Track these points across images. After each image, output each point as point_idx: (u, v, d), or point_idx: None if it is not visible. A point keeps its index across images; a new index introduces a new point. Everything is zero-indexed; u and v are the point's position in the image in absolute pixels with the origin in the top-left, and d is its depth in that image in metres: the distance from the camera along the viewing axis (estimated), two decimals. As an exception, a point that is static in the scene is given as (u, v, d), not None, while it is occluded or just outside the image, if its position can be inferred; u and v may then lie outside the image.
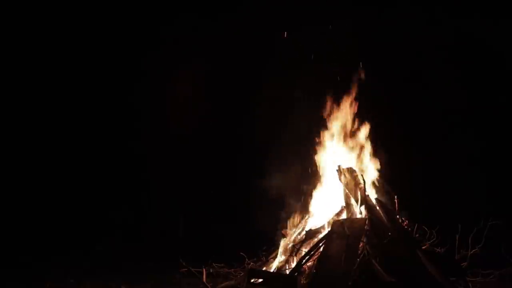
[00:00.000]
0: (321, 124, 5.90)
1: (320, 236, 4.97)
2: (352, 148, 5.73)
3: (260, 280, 4.61)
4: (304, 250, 4.96)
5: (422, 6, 7.56)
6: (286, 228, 5.65)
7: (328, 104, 5.90)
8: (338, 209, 5.26)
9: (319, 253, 4.67)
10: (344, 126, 5.79)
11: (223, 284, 5.02)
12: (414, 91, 7.69)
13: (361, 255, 4.46)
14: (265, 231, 5.94)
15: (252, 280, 4.57)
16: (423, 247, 5.05)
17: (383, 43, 7.25)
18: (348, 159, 5.64)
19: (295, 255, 5.03)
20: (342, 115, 5.81)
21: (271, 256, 5.50)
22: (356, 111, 5.78)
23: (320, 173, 5.78)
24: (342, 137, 5.79)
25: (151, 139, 8.36)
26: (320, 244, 4.72)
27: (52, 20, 8.24)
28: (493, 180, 7.33)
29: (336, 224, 4.80)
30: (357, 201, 5.08)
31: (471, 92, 7.63)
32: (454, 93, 7.61)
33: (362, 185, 5.09)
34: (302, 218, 5.63)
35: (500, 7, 7.63)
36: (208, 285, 4.87)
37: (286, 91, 7.11)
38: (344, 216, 5.11)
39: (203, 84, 8.28)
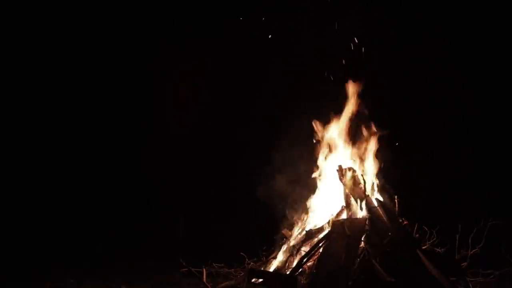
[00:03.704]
0: (322, 124, 5.89)
1: (320, 236, 4.97)
2: (352, 148, 5.72)
3: (260, 280, 4.61)
4: (304, 250, 4.96)
5: (424, 5, 7.55)
6: (287, 228, 5.64)
7: (329, 104, 5.89)
8: (338, 209, 5.26)
9: (319, 253, 4.67)
10: (344, 126, 5.77)
11: (223, 284, 5.02)
12: (415, 90, 7.69)
13: (361, 255, 4.46)
14: (265, 231, 5.94)
15: (252, 280, 4.57)
16: (423, 247, 5.05)
17: (384, 43, 7.25)
18: (349, 159, 5.63)
19: (295, 255, 5.03)
20: (343, 115, 5.80)
21: (271, 256, 5.49)
22: (357, 110, 5.76)
23: (320, 173, 5.77)
24: (342, 137, 5.78)
25: (151, 139, 8.37)
26: (320, 244, 4.72)
27: (54, 20, 8.25)
28: (493, 180, 7.33)
29: (336, 224, 4.80)
30: (357, 201, 5.07)
31: (471, 92, 7.63)
32: (454, 93, 7.61)
33: (362, 185, 5.09)
34: (303, 218, 5.62)
35: (501, 6, 7.63)
36: (208, 285, 4.87)
37: (286, 91, 7.11)
38: (344, 216, 5.11)
39: (203, 84, 8.28)
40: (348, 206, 5.16)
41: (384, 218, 4.87)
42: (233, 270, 5.58)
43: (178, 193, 8.12)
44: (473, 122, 7.83)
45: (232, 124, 8.15)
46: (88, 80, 8.58)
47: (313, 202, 5.68)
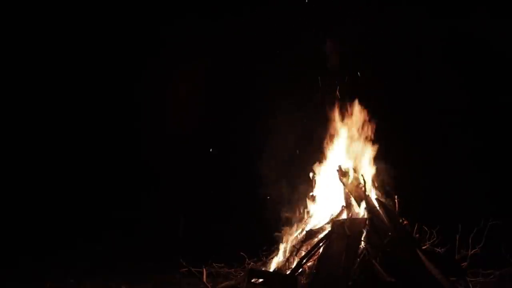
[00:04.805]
0: (321, 124, 5.89)
1: (320, 236, 4.97)
2: (352, 148, 5.72)
3: (260, 280, 4.61)
4: (304, 250, 4.96)
5: (423, 5, 7.56)
6: (287, 228, 5.64)
7: (328, 104, 5.89)
8: (338, 209, 5.26)
9: (319, 253, 4.68)
10: (344, 126, 5.78)
11: (223, 284, 5.02)
12: (415, 90, 7.69)
13: (361, 255, 4.46)
14: (265, 231, 5.94)
15: (252, 280, 4.58)
16: (423, 247, 5.05)
17: (383, 43, 7.25)
18: (349, 159, 5.63)
19: (295, 255, 5.03)
20: (343, 115, 5.80)
21: (271, 256, 5.49)
22: (356, 111, 5.77)
23: (321, 173, 5.77)
24: (342, 136, 5.78)
25: (151, 139, 8.36)
26: (320, 244, 4.72)
27: (55, 20, 8.25)
28: (493, 180, 7.33)
29: (336, 224, 4.81)
30: (357, 201, 5.07)
31: (471, 92, 7.63)
32: (454, 93, 7.61)
33: (363, 185, 5.09)
34: (303, 218, 5.62)
35: (500, 6, 7.63)
36: (208, 285, 4.87)
37: (285, 91, 7.11)
38: (344, 216, 5.11)
39: (203, 84, 8.28)
40: (348, 206, 5.16)
41: (384, 218, 4.87)
42: (233, 270, 5.58)
43: (178, 193, 8.12)
44: (473, 122, 7.83)
45: (232, 124, 8.14)
46: (88, 80, 8.57)
47: (313, 202, 5.68)
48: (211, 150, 7.79)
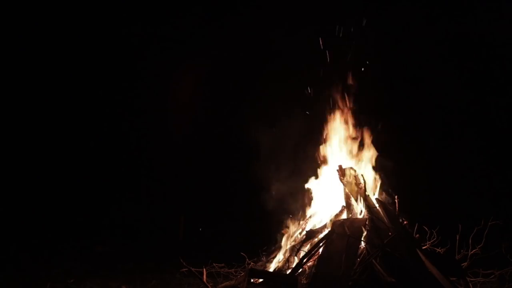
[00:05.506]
0: (322, 124, 5.89)
1: (320, 236, 4.97)
2: (352, 148, 5.72)
3: (260, 280, 4.61)
4: (304, 250, 4.96)
5: (423, 6, 7.57)
6: (287, 227, 5.64)
7: (329, 104, 5.89)
8: (338, 209, 5.26)
9: (319, 253, 4.67)
10: (345, 126, 5.78)
11: (223, 284, 5.02)
12: (415, 91, 7.70)
13: (361, 255, 4.46)
14: (265, 231, 5.94)
15: (252, 280, 4.57)
16: (423, 247, 5.05)
17: (384, 44, 7.25)
18: (349, 159, 5.63)
19: (295, 255, 5.03)
20: (343, 115, 5.80)
21: (271, 256, 5.49)
22: (357, 111, 5.77)
23: (320, 173, 5.77)
24: (342, 137, 5.78)
25: (152, 139, 8.37)
26: (320, 244, 4.72)
27: (55, 19, 8.26)
28: (493, 180, 7.33)
29: (336, 224, 4.80)
30: (357, 201, 5.07)
31: (471, 92, 7.64)
32: (454, 94, 7.62)
33: (363, 185, 5.08)
34: (303, 218, 5.63)
35: (500, 7, 7.64)
36: (208, 285, 4.86)
37: (285, 90, 7.11)
38: (344, 216, 5.11)
39: (204, 84, 8.29)
40: (348, 206, 5.16)
41: (384, 218, 4.87)
42: (233, 270, 5.57)
43: (178, 193, 8.12)
44: (473, 122, 7.84)
45: (232, 124, 8.14)
46: (87, 80, 8.58)
47: (313, 202, 5.68)
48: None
